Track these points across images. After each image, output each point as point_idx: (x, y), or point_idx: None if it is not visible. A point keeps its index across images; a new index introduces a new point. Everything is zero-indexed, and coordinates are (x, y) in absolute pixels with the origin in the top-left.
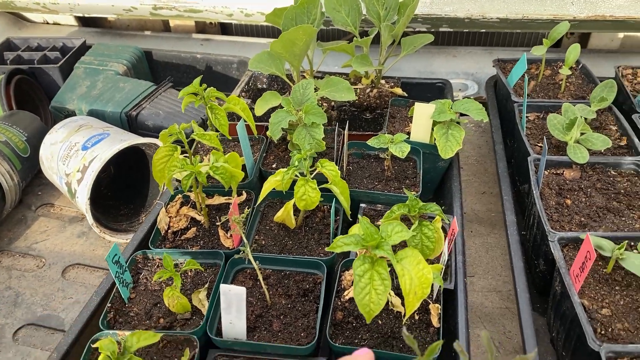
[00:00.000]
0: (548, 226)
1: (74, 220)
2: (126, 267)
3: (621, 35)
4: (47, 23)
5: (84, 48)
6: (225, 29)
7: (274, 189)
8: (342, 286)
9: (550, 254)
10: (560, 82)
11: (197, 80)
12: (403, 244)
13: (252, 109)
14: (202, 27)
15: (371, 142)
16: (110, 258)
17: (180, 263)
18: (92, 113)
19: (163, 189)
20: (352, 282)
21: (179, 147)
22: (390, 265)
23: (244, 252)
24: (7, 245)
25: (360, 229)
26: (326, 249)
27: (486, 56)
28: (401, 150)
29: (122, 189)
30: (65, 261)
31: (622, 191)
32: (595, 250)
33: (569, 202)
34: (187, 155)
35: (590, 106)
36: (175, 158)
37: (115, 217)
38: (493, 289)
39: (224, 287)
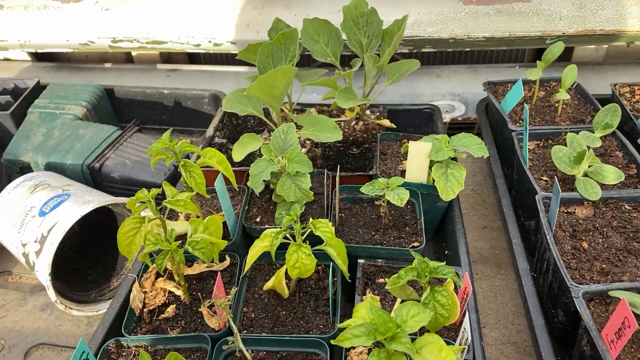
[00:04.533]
0: (569, 279)
1: (36, 289)
2: None
3: (605, 45)
4: None
5: (37, 89)
6: (192, 56)
7: None
8: None
9: (571, 305)
10: (556, 104)
11: (167, 134)
12: None
13: (229, 149)
14: (168, 56)
15: (365, 189)
16: (77, 358)
17: (160, 350)
18: (49, 167)
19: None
20: None
21: (146, 219)
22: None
23: (233, 342)
24: None
25: (370, 315)
26: (332, 342)
27: (471, 74)
28: (399, 197)
29: (89, 249)
30: (28, 341)
31: None
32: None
33: (585, 245)
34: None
35: (592, 131)
36: (144, 233)
37: (83, 284)
38: (507, 340)
39: None
